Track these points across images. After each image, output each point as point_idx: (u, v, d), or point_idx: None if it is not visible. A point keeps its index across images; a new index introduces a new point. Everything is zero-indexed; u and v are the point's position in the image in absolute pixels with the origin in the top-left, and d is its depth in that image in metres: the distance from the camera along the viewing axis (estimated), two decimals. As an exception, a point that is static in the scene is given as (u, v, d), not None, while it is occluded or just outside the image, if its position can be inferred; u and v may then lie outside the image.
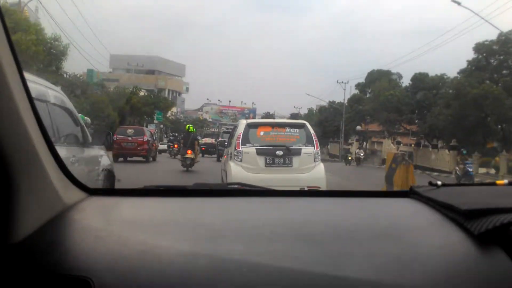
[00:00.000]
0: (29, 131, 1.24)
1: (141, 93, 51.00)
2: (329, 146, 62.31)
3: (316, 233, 1.39)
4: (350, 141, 55.80)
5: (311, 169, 8.36)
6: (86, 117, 14.54)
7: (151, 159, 21.34)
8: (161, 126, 67.16)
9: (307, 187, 6.86)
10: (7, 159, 1.19)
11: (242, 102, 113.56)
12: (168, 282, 1.13)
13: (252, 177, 7.80)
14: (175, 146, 26.35)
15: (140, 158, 21.13)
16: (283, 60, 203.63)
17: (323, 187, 7.95)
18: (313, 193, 2.15)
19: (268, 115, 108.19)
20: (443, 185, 1.77)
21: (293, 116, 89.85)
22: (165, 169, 17.37)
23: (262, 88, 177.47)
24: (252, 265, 1.18)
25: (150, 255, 1.21)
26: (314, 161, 8.43)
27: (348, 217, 1.62)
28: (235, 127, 9.63)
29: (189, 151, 16.42)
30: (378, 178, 14.62)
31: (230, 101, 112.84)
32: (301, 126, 8.89)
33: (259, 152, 8.26)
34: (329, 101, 61.18)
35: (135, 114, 48.52)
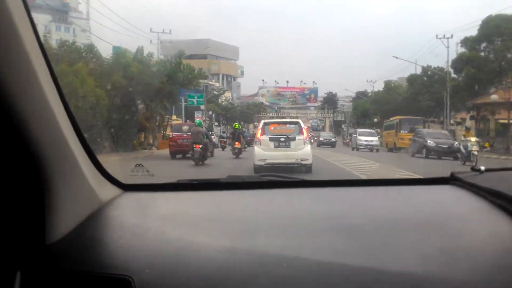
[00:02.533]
0: (62, 128, 1.23)
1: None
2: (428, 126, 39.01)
3: (355, 224, 1.36)
4: (452, 121, 40.03)
5: (302, 149, 13.84)
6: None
7: (209, 154, 19.93)
8: (210, 113, 59.43)
9: (300, 159, 13.53)
10: (42, 158, 1.18)
11: (301, 81, 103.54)
12: (207, 278, 1.13)
13: (267, 154, 13.65)
14: (223, 141, 32.01)
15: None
16: (347, 36, 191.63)
17: (310, 160, 13.73)
18: (350, 182, 1.96)
19: (330, 96, 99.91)
20: (487, 170, 1.67)
21: (359, 94, 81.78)
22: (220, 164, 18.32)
23: (323, 66, 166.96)
24: (291, 259, 1.17)
25: (188, 252, 1.22)
26: (304, 144, 13.96)
27: (388, 206, 1.57)
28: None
29: (236, 143, 20.55)
30: None
31: (288, 82, 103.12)
32: (296, 123, 14.91)
33: (270, 139, 13.91)
34: (423, 67, 43.35)
35: (141, 93, 27.27)
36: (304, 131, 14.31)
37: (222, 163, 18.24)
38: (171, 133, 21.72)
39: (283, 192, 1.81)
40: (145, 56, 30.09)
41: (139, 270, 1.14)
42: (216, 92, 71.55)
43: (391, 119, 39.54)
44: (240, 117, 74.10)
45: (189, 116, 44.06)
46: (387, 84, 53.25)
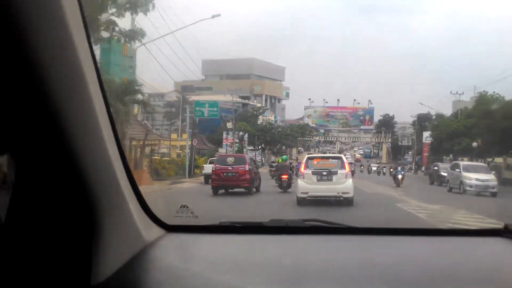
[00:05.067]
0: (115, 168, 1.24)
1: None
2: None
3: (407, 276, 1.33)
4: None
5: (344, 183, 14.10)
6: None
7: (254, 190, 19.21)
8: (241, 133, 49.17)
9: (342, 192, 13.78)
10: (93, 197, 1.19)
11: (355, 101, 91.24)
12: None
13: (310, 187, 14.12)
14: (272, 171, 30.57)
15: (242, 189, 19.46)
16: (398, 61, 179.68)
17: (351, 193, 13.91)
18: (396, 230, 1.92)
19: (386, 118, 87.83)
20: None
21: (421, 117, 70.19)
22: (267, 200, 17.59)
23: (379, 85, 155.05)
24: None
25: None
26: (345, 178, 14.27)
27: (440, 258, 1.53)
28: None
29: (284, 176, 19.70)
30: None
31: (339, 101, 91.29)
32: (339, 158, 15.79)
33: (313, 173, 14.35)
34: None
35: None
36: (346, 165, 14.80)
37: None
38: (214, 166, 20.13)
39: (329, 238, 1.79)
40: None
41: None
42: (255, 112, 62.07)
43: None
44: (281, 140, 63.55)
45: (202, 131, 34.91)
46: (483, 97, 38.93)
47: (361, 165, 53.94)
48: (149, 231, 1.54)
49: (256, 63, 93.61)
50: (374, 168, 52.88)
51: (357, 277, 1.32)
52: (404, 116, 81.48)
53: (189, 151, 30.81)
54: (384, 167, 48.09)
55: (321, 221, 1.94)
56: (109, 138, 1.20)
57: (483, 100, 37.56)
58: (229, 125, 44.27)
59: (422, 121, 70.94)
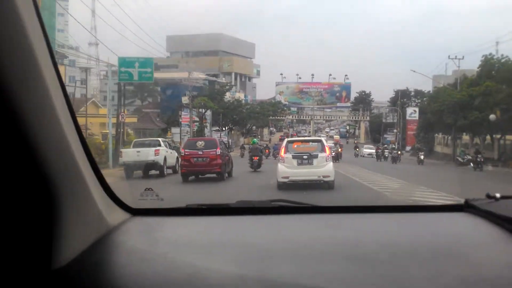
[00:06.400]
0: (73, 150, 1.24)
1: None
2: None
3: (370, 252, 1.35)
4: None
5: (324, 166, 13.90)
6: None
7: (226, 175, 18.43)
8: (203, 111, 41.67)
9: (322, 176, 13.68)
10: (51, 180, 1.18)
11: (330, 76, 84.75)
12: None
13: (290, 171, 13.76)
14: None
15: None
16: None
17: (332, 176, 13.75)
18: (361, 208, 1.97)
19: (363, 95, 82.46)
20: (502, 197, 1.66)
21: (399, 94, 65.11)
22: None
23: (355, 60, 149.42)
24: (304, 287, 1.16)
25: (198, 279, 1.21)
26: (326, 161, 14.03)
27: (402, 234, 1.57)
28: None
29: (255, 157, 21.47)
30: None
31: (313, 76, 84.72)
32: (319, 141, 15.42)
33: (293, 157, 14.02)
34: None
35: None
36: (327, 148, 14.61)
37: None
38: (182, 151, 18.62)
39: (295, 218, 1.81)
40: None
41: None
42: (221, 88, 55.39)
43: None
44: (251, 120, 57.04)
45: (164, 110, 28.34)
46: (488, 60, 32.86)
47: (348, 148, 47.39)
48: (113, 215, 1.53)
49: (224, 39, 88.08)
50: (368, 152, 45.84)
51: (320, 254, 1.34)
52: (380, 95, 76.35)
53: (119, 131, 24.60)
54: (386, 149, 40.64)
55: (288, 201, 1.96)
56: (66, 120, 1.18)
57: (490, 64, 31.78)
58: (185, 100, 37.54)
59: (400, 98, 65.98)
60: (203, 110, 41.52)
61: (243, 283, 1.18)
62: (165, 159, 19.29)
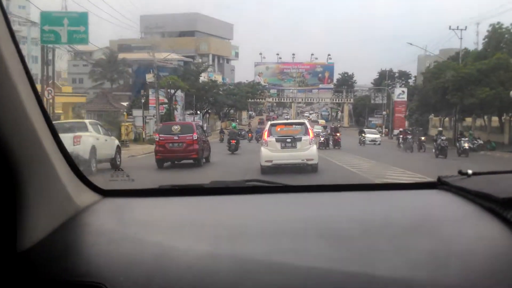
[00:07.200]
0: (37, 129, 1.23)
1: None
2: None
3: (341, 229, 1.37)
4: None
5: (308, 149, 13.89)
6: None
7: (204, 160, 17.82)
8: (170, 91, 37.00)
9: (306, 159, 13.66)
10: (15, 160, 1.18)
11: (312, 55, 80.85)
12: (186, 286, 1.12)
13: (274, 155, 13.65)
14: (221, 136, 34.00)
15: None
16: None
17: (315, 159, 13.87)
18: (335, 187, 1.97)
19: (345, 77, 79.15)
20: (474, 173, 1.68)
21: (383, 74, 62.14)
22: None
23: (336, 43, 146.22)
24: (276, 265, 1.16)
25: (167, 258, 1.20)
26: (310, 144, 14.01)
27: (375, 211, 1.58)
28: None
29: (233, 141, 22.75)
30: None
31: (294, 56, 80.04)
32: (302, 124, 15.12)
33: (277, 140, 13.92)
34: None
35: None
36: (310, 131, 14.49)
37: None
38: (157, 135, 18.19)
39: (268, 197, 1.81)
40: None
41: (113, 277, 1.12)
42: (196, 69, 51.28)
43: None
44: (228, 102, 53.04)
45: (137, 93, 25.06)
46: (496, 30, 28.88)
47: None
48: (83, 196, 1.51)
49: (201, 19, 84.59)
50: (372, 137, 35.82)
51: (292, 231, 1.34)
52: (362, 79, 73.15)
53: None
54: (401, 135, 30.99)
55: (262, 181, 1.96)
56: (28, 99, 1.17)
57: (498, 34, 28.25)
58: (150, 78, 33.15)
59: (383, 80, 62.93)
60: (172, 91, 37.23)
61: (214, 262, 1.18)
62: (93, 149, 13.87)
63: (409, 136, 27.37)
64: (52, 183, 1.32)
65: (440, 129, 25.57)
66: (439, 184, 1.73)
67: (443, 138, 22.69)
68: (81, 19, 20.82)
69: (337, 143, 28.24)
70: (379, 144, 34.72)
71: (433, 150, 23.03)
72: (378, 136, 37.65)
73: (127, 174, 2.39)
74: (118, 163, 15.32)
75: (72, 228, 1.36)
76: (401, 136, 29.02)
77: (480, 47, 33.47)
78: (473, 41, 33.89)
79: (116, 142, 16.17)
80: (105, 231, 1.39)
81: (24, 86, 1.16)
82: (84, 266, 1.18)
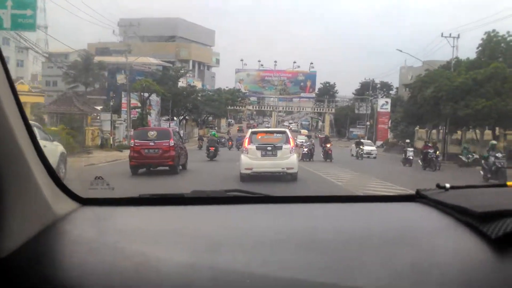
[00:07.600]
0: (16, 135, 1.23)
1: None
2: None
3: (322, 240, 1.38)
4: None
5: (288, 158, 13.89)
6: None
7: (180, 167, 17.60)
8: (147, 95, 34.82)
9: (286, 167, 13.67)
10: None
11: (294, 63, 79.61)
12: None
13: (254, 163, 13.76)
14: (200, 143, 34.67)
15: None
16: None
17: (295, 168, 13.87)
18: (316, 198, 1.97)
19: (327, 87, 78.27)
20: (452, 187, 1.73)
21: (364, 85, 61.37)
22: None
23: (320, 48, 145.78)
24: (256, 276, 1.17)
25: (147, 268, 1.20)
26: (290, 153, 14.03)
27: (355, 223, 1.60)
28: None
29: (211, 148, 23.90)
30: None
31: (276, 63, 78.77)
32: (283, 132, 15.05)
33: (257, 148, 14.00)
34: None
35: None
36: (291, 140, 14.47)
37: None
38: (132, 141, 17.78)
39: (249, 207, 1.82)
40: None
41: (92, 287, 1.13)
42: (174, 73, 49.52)
43: None
44: (206, 108, 51.24)
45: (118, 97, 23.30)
46: (491, 38, 27.70)
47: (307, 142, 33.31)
48: (61, 204, 1.50)
49: (182, 24, 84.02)
50: (368, 149, 32.28)
51: (273, 242, 1.35)
52: (343, 90, 72.25)
53: None
54: (409, 147, 26.37)
55: (242, 191, 1.96)
56: (8, 104, 1.17)
57: (494, 43, 27.02)
58: (121, 79, 31.21)
59: (367, 90, 62.29)
60: (146, 94, 35.30)
61: (193, 271, 1.18)
62: None
63: (431, 151, 22.99)
64: (30, 190, 1.30)
65: (494, 142, 20.25)
66: (418, 197, 1.75)
67: (498, 155, 18.38)
68: (28, 1, 18.23)
69: (328, 155, 25.34)
70: (374, 157, 31.81)
71: (481, 172, 18.67)
72: (374, 148, 34.84)
73: (107, 183, 2.29)
74: (61, 174, 12.71)
75: (50, 237, 1.33)
76: (424, 150, 23.77)
77: (454, 59, 32.30)
78: (454, 53, 32.31)
79: (60, 148, 13.94)
80: (84, 239, 1.36)
81: (4, 90, 1.14)
82: (62, 275, 1.17)
